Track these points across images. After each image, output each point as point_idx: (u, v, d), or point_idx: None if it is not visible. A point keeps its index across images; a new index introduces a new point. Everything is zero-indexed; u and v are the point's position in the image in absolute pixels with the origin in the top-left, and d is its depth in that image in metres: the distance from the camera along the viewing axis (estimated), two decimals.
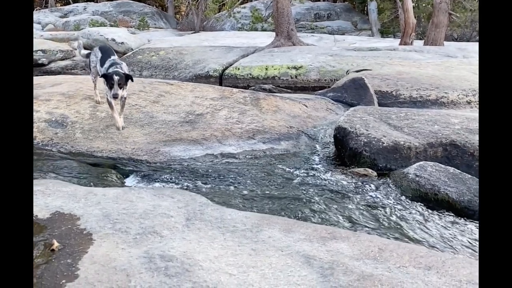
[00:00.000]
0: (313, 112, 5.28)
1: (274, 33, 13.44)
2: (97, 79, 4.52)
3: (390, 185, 3.35)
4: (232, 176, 3.52)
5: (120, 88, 3.90)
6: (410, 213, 2.92)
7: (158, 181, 3.34)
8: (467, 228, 2.74)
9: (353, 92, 6.02)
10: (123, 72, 3.97)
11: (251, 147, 4.22)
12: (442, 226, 2.76)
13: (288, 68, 9.61)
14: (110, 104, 4.15)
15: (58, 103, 4.59)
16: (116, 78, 3.84)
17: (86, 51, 4.88)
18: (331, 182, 3.45)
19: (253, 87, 8.13)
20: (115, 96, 3.88)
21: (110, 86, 3.91)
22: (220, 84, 9.24)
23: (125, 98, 4.22)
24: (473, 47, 11.62)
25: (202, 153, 3.99)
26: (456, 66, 7.86)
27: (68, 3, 28.94)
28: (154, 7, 28.24)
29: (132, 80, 4.08)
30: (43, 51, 11.38)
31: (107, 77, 3.91)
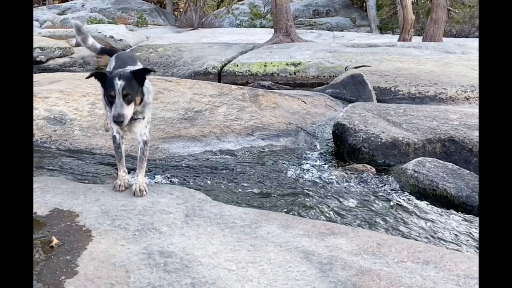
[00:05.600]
0: (312, 109, 5.28)
1: (272, 30, 13.42)
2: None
3: (389, 181, 3.36)
4: (231, 172, 3.52)
5: (128, 103, 2.22)
6: (408, 208, 2.93)
7: (157, 178, 3.34)
8: (465, 223, 2.75)
9: (352, 89, 6.01)
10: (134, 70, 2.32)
11: (250, 143, 4.22)
12: (440, 221, 2.77)
13: (287, 64, 9.60)
14: (114, 142, 2.55)
15: (57, 100, 4.58)
16: (119, 83, 2.18)
17: None
18: (330, 178, 3.45)
19: (252, 84, 8.12)
20: (117, 120, 2.20)
21: (110, 100, 2.24)
22: (219, 81, 9.22)
23: (145, 141, 2.51)
24: (472, 43, 11.61)
25: (201, 150, 3.99)
26: (455, 62, 7.84)
27: (66, 0, 28.83)
28: (153, 4, 28.16)
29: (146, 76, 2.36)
30: (41, 48, 11.34)
31: (103, 80, 2.30)
